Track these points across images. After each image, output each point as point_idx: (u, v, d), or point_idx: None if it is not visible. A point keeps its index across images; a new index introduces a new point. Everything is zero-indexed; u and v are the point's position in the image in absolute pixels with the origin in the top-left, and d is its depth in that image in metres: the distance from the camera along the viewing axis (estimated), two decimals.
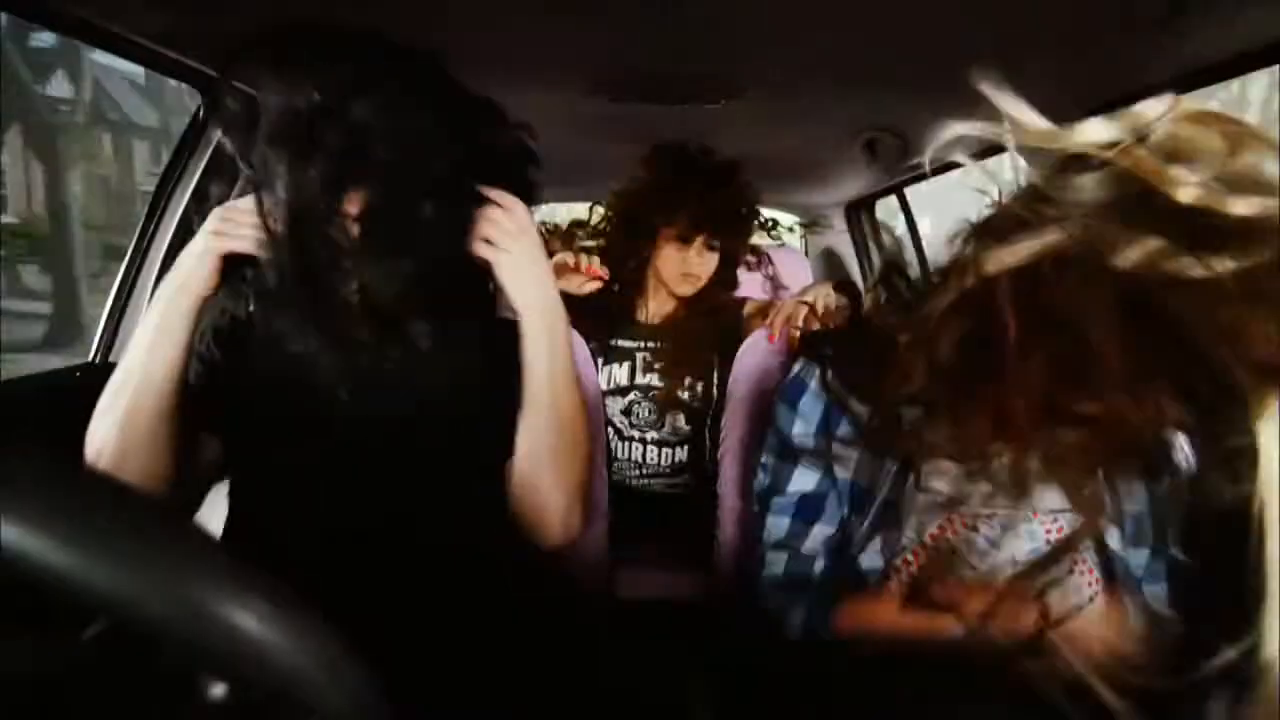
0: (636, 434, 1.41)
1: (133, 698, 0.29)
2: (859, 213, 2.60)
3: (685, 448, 1.41)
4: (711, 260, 1.35)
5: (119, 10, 0.95)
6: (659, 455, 1.41)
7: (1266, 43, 0.89)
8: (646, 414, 1.41)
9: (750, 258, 1.49)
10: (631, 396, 1.41)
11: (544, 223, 1.48)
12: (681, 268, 1.34)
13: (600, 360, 1.39)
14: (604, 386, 1.40)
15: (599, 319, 1.36)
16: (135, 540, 0.25)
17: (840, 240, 2.64)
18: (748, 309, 1.44)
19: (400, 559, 0.84)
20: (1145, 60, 1.01)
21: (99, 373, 1.23)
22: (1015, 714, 0.71)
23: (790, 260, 1.76)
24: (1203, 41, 0.92)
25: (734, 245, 1.40)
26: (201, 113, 1.28)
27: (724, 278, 1.41)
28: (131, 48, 1.03)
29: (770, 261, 1.53)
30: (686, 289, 1.36)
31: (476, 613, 0.88)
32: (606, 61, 1.25)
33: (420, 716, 0.83)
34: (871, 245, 2.61)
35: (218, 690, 0.27)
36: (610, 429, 1.41)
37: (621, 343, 1.42)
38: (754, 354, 1.13)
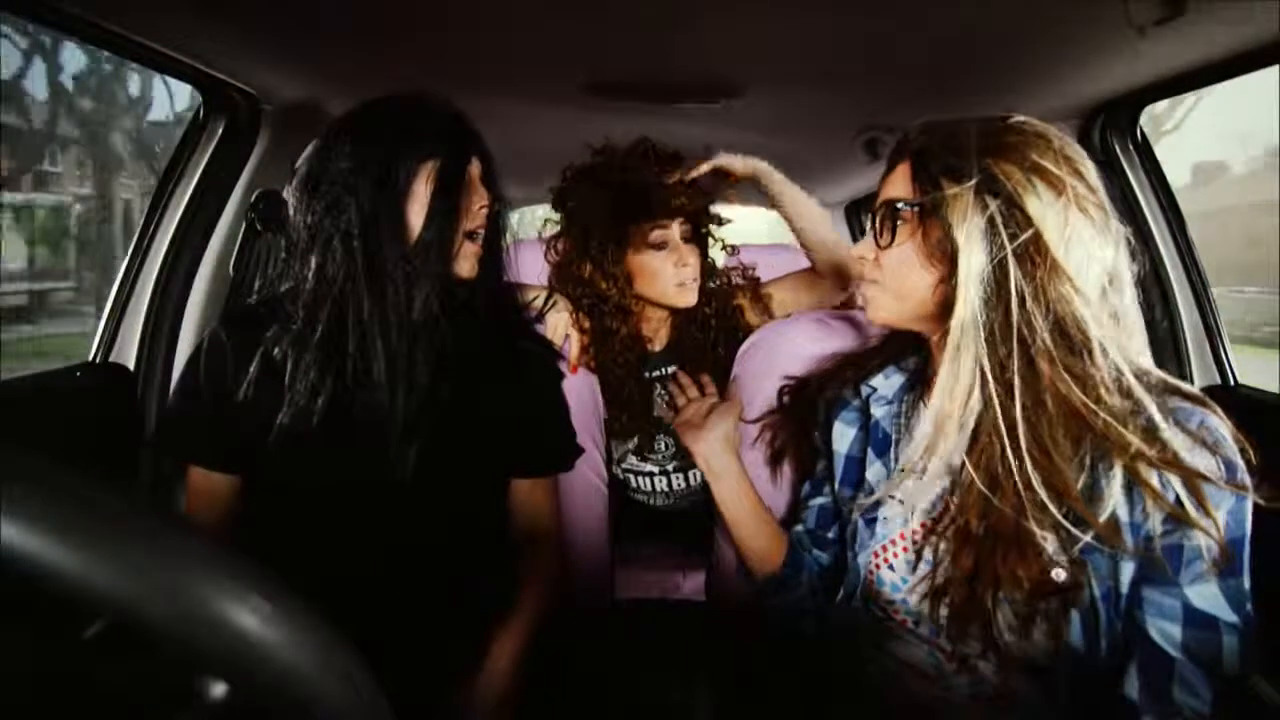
0: (655, 468, 1.32)
1: (133, 698, 0.29)
2: (859, 213, 2.60)
3: None
4: (696, 255, 1.22)
5: (119, 10, 0.95)
6: (685, 480, 1.32)
7: (1266, 43, 0.89)
8: (664, 448, 1.31)
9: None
10: (640, 438, 1.31)
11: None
12: (675, 277, 1.19)
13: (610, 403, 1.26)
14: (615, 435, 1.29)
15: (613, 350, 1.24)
16: (135, 540, 0.24)
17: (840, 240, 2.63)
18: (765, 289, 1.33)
19: (404, 560, 0.84)
20: (1145, 60, 1.01)
21: (99, 373, 1.23)
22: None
23: (782, 256, 1.72)
24: (1203, 41, 0.92)
25: (705, 233, 1.27)
26: (201, 113, 1.28)
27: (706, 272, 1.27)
28: (132, 47, 1.03)
29: (736, 251, 1.39)
30: (689, 297, 1.20)
31: (478, 613, 0.88)
32: (605, 62, 1.25)
33: (421, 716, 0.83)
34: None
35: (218, 690, 0.27)
36: (621, 469, 1.33)
37: (631, 379, 1.26)
38: (758, 351, 1.11)
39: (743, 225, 1.36)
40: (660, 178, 1.19)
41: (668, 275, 1.19)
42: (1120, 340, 0.63)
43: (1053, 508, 0.61)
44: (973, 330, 0.64)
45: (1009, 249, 0.62)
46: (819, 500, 0.91)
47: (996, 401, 0.63)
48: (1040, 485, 0.61)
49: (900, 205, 0.69)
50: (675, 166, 1.22)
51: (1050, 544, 0.63)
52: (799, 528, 0.92)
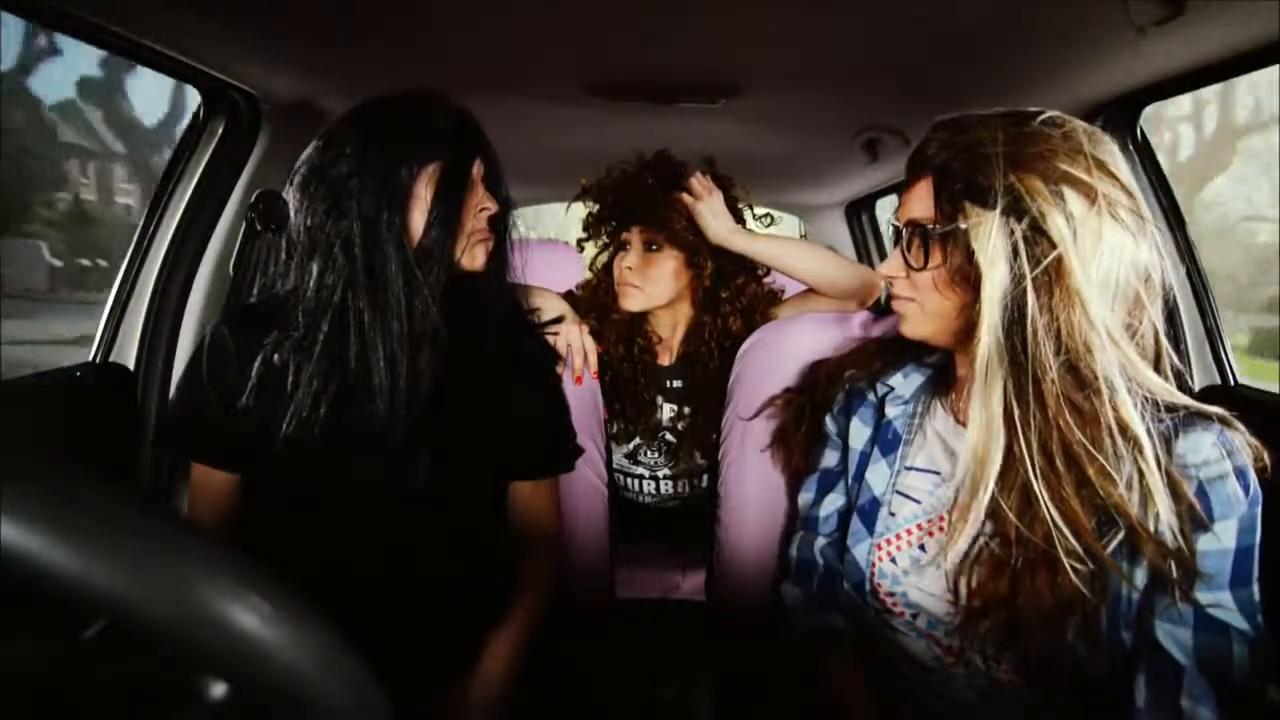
0: (646, 472, 1.33)
1: (133, 698, 0.29)
2: (859, 213, 2.60)
3: (704, 477, 1.32)
4: (656, 267, 1.20)
5: (119, 10, 0.95)
6: (673, 487, 1.33)
7: (1266, 43, 0.89)
8: (657, 454, 1.32)
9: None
10: (637, 441, 1.32)
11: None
12: (620, 276, 1.22)
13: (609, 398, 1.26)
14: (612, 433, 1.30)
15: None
16: (135, 540, 0.24)
17: (840, 240, 2.64)
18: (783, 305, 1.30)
19: (404, 561, 0.84)
20: (1144, 60, 1.01)
21: (99, 373, 1.23)
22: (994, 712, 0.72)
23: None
24: (1203, 41, 0.92)
25: (685, 245, 1.19)
26: (202, 113, 1.28)
27: (710, 298, 1.24)
28: (132, 48, 1.03)
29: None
30: (626, 300, 1.22)
31: (477, 614, 0.88)
32: (605, 62, 1.25)
33: (420, 716, 0.83)
34: (871, 244, 2.61)
35: (218, 690, 0.27)
36: (617, 473, 1.34)
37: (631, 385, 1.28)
38: (759, 351, 1.11)
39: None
40: (625, 175, 1.22)
41: (618, 270, 1.23)
42: (1137, 366, 0.62)
43: (1071, 539, 0.61)
44: (997, 358, 0.63)
45: (1029, 277, 0.60)
46: (837, 502, 0.88)
47: (1020, 431, 0.62)
48: (1058, 516, 0.61)
49: (927, 229, 0.67)
50: (661, 166, 1.22)
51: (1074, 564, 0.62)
52: (820, 542, 0.88)
